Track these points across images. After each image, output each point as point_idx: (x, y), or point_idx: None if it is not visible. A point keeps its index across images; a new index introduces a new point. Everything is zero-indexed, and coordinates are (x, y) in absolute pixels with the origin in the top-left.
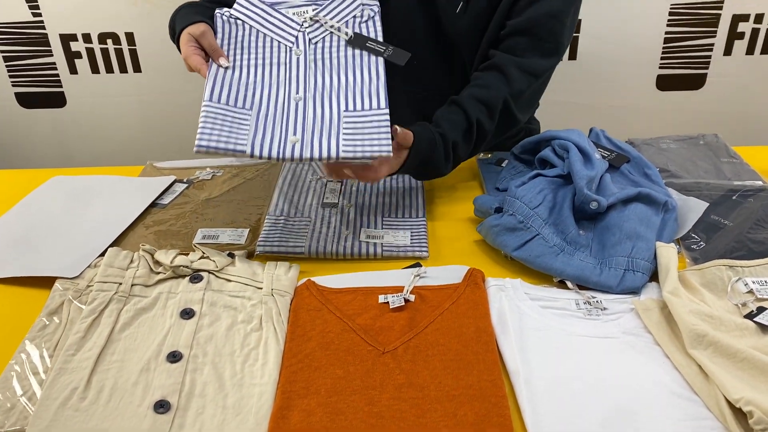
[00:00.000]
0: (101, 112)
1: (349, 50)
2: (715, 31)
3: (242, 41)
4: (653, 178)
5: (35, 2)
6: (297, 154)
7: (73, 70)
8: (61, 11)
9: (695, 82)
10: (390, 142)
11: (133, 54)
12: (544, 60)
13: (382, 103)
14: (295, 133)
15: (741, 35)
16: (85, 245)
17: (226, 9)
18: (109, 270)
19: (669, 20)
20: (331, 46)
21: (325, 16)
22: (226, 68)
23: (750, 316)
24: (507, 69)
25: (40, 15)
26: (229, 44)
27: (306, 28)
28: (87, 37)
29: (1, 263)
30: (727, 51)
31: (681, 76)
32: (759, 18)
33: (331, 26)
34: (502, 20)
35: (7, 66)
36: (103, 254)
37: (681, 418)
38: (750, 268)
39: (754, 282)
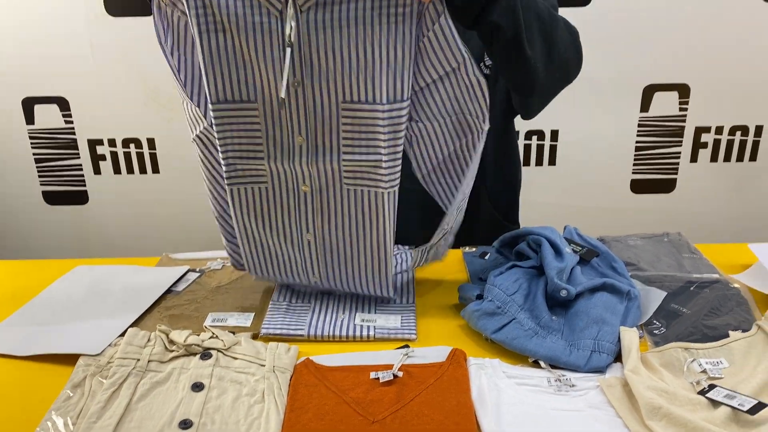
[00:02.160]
0: (120, 209)
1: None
2: (681, 141)
3: None
4: (619, 270)
5: (68, 111)
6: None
7: (97, 171)
8: (91, 118)
9: (667, 186)
10: None
11: (153, 157)
12: None
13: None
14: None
15: (705, 145)
16: (106, 326)
17: None
18: (129, 348)
19: (638, 131)
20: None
21: None
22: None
23: (702, 392)
24: None
25: (72, 123)
26: None
27: None
28: (112, 142)
29: (30, 342)
30: (693, 158)
31: (653, 180)
32: (719, 130)
33: None
34: None
35: (37, 167)
36: (122, 334)
37: None
38: (704, 350)
39: (707, 362)
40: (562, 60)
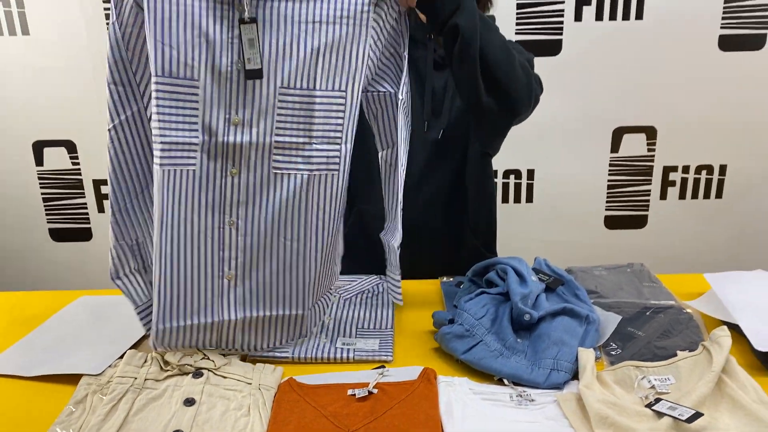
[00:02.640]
0: None
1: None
2: (650, 180)
3: None
4: (581, 297)
5: (75, 153)
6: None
7: (101, 209)
8: (96, 160)
9: (639, 222)
10: None
11: None
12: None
13: None
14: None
15: (673, 183)
16: (107, 349)
17: None
18: (127, 367)
19: (610, 170)
20: None
21: None
22: None
23: (649, 405)
24: None
25: (78, 164)
26: None
27: None
28: None
29: (37, 363)
30: (663, 196)
31: (626, 216)
32: (686, 169)
33: None
34: None
35: (45, 206)
36: (122, 357)
37: None
38: (653, 368)
39: (655, 379)
40: (508, 88)
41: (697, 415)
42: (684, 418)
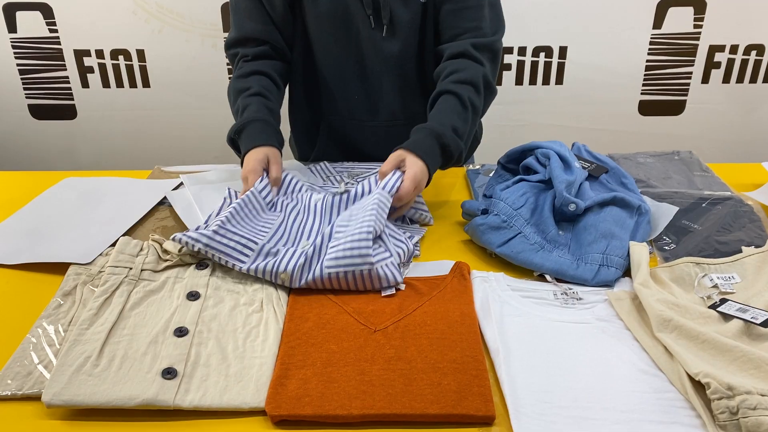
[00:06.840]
0: (110, 124)
1: None
2: (693, 60)
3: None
4: (629, 186)
5: (52, 19)
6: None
7: (84, 84)
8: (76, 28)
9: (676, 108)
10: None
11: (143, 70)
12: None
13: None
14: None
15: (718, 65)
16: (97, 236)
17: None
18: (120, 256)
19: (650, 49)
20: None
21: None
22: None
23: (713, 306)
24: (470, 53)
25: (56, 31)
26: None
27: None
28: (100, 53)
29: (17, 251)
30: (705, 79)
31: (662, 102)
32: (734, 49)
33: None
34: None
35: (22, 78)
36: (113, 245)
37: (646, 391)
38: (716, 265)
39: (718, 278)
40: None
41: None
42: (758, 322)
